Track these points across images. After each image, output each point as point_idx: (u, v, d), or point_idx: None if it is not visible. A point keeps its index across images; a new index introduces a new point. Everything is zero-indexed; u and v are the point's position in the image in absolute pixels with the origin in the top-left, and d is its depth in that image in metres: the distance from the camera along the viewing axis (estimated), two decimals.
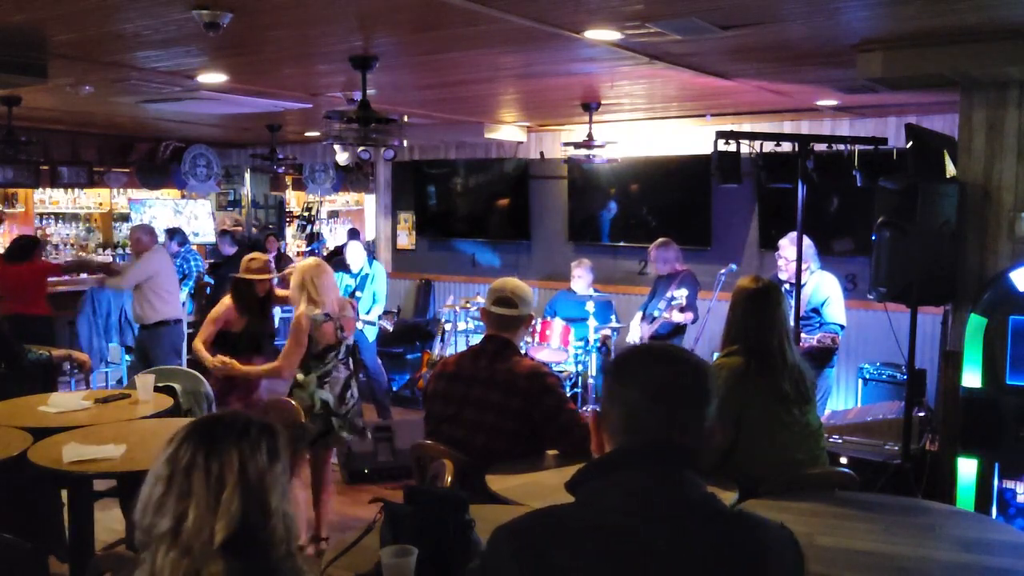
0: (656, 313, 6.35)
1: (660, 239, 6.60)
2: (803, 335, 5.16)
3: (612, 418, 1.50)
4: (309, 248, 11.85)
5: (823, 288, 5.36)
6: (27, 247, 6.94)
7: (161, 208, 10.56)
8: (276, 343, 5.30)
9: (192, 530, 1.51)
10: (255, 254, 5.03)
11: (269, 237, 9.97)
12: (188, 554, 1.50)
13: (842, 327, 5.37)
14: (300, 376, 4.39)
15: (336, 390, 4.43)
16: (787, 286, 5.09)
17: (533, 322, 5.15)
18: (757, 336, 3.18)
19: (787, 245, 5.38)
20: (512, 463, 3.15)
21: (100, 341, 7.83)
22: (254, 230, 11.15)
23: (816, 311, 5.34)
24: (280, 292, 5.22)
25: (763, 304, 3.21)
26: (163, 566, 1.50)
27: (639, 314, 6.65)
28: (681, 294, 6.10)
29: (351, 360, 4.64)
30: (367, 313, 6.89)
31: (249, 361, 4.71)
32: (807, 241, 5.09)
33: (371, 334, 6.99)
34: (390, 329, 7.43)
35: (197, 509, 1.52)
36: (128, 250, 10.63)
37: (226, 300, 4.87)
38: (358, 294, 6.94)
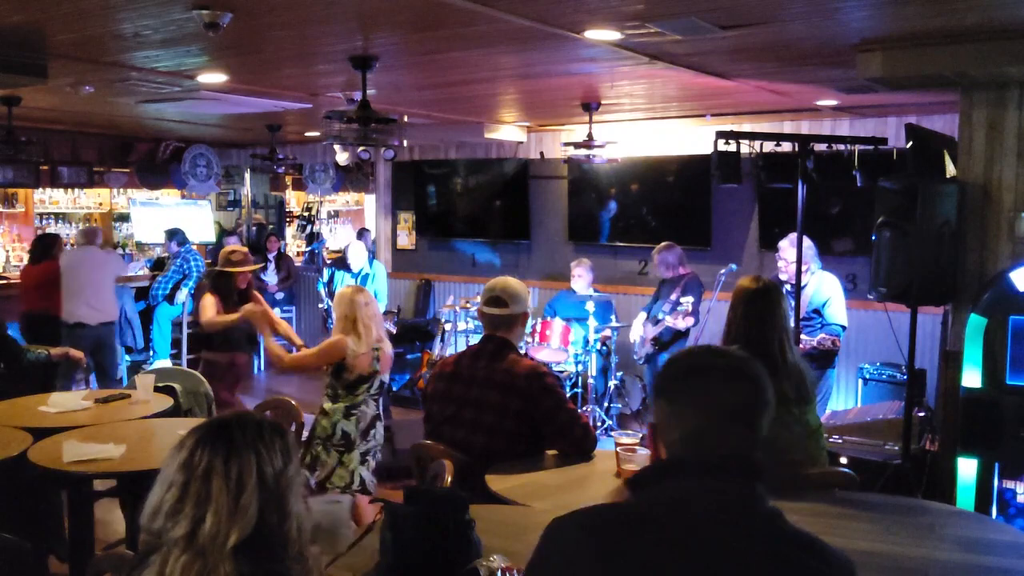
0: (660, 316, 6.35)
1: (663, 243, 6.59)
2: (803, 336, 5.15)
3: (673, 433, 1.46)
4: (309, 248, 11.86)
5: (824, 289, 5.35)
6: (47, 246, 6.94)
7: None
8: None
9: (209, 533, 1.50)
10: (235, 246, 5.04)
11: (270, 237, 9.97)
12: (201, 556, 1.50)
13: (844, 328, 5.36)
14: (327, 405, 4.16)
15: (362, 425, 4.16)
16: (788, 287, 5.09)
17: (532, 321, 5.15)
18: (757, 336, 3.17)
19: (787, 247, 5.38)
20: (512, 463, 3.15)
21: None
22: (256, 226, 11.15)
23: (817, 312, 5.33)
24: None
25: (763, 304, 3.21)
26: (174, 569, 1.50)
27: (642, 315, 6.65)
28: (688, 300, 6.11)
29: (381, 399, 4.37)
30: None
31: (229, 359, 4.73)
32: (807, 242, 5.09)
33: None
34: (393, 331, 7.42)
35: (216, 514, 1.51)
36: (126, 251, 10.66)
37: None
38: None
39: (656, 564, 1.31)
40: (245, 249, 5.06)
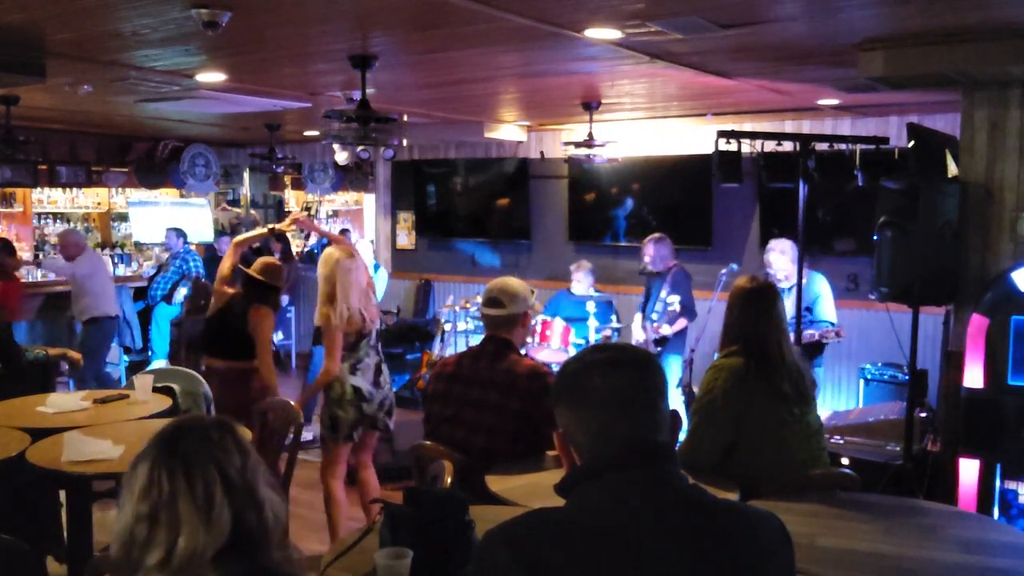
0: (655, 316, 6.32)
1: (654, 235, 6.51)
2: (807, 331, 5.19)
3: (580, 436, 1.50)
4: (308, 248, 11.84)
5: (812, 287, 5.44)
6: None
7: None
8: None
9: (185, 554, 1.46)
10: (270, 259, 4.89)
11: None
12: (182, 572, 1.46)
13: (833, 324, 5.42)
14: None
15: (369, 376, 4.34)
16: (781, 287, 5.12)
17: (533, 321, 5.13)
18: (756, 336, 3.17)
19: (771, 252, 5.50)
20: (512, 464, 3.14)
21: None
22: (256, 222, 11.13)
23: (808, 310, 5.37)
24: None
25: (760, 303, 3.21)
26: None
27: (638, 315, 6.63)
28: (675, 300, 6.08)
29: (380, 345, 4.56)
30: None
31: (244, 367, 4.67)
32: (789, 244, 5.17)
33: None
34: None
35: (189, 535, 1.47)
36: (124, 251, 10.65)
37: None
38: None
39: (573, 567, 1.34)
40: (281, 264, 4.96)
